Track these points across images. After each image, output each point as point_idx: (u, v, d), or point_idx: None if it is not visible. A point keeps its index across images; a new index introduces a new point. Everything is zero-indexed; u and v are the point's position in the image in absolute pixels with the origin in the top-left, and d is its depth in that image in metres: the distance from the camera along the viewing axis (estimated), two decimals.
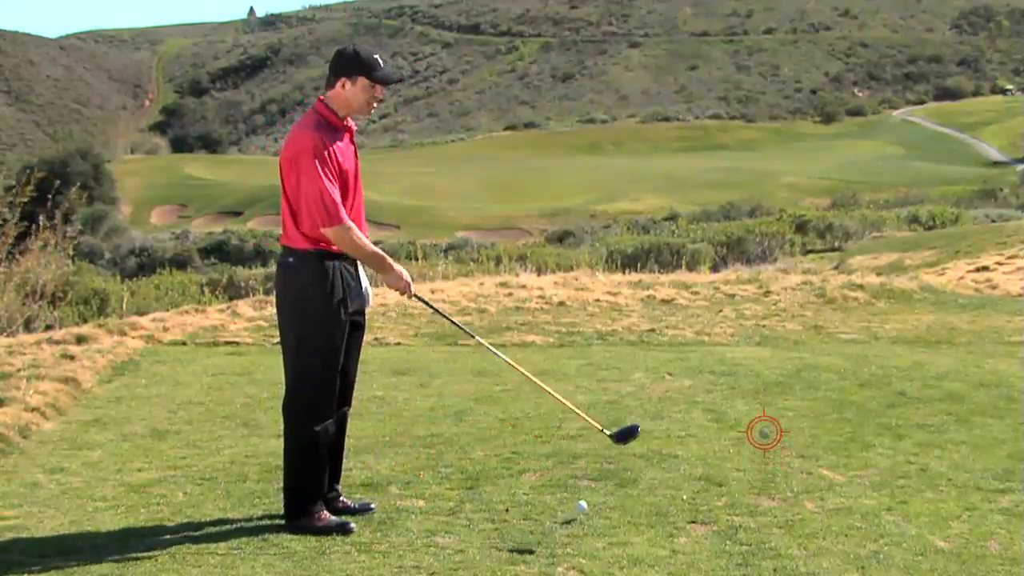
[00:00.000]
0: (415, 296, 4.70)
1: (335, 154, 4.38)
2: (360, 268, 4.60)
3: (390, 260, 4.53)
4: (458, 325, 5.15)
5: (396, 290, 4.59)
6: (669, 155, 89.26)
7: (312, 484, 4.48)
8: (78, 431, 6.13)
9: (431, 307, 5.07)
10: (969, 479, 5.25)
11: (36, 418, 6.20)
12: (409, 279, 4.56)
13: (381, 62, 4.47)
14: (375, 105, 4.53)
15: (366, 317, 4.73)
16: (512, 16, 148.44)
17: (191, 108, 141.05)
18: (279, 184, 4.46)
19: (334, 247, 4.42)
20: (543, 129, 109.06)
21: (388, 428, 6.16)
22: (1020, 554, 4.29)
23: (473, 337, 5.16)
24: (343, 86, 4.43)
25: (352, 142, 4.56)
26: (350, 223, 4.39)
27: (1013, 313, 11.17)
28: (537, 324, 10.02)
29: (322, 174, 4.31)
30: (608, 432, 5.08)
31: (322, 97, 4.49)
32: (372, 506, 4.69)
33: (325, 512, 4.48)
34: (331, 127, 4.44)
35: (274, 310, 5.27)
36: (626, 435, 5.09)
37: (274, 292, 4.69)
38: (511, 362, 5.08)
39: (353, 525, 4.44)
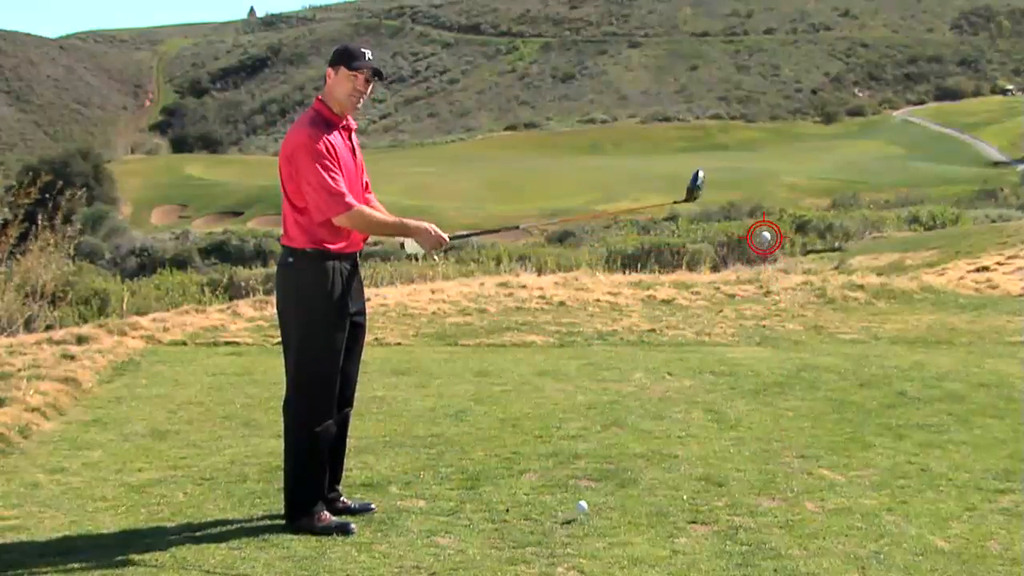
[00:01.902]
0: (452, 239, 4.62)
1: (331, 147, 4.37)
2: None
3: (412, 223, 4.49)
4: (498, 230, 5.42)
5: (433, 247, 4.52)
6: (669, 155, 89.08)
7: (313, 485, 4.48)
8: (78, 431, 6.13)
9: (469, 235, 5.20)
10: (969, 479, 5.25)
11: (36, 418, 6.20)
12: (437, 230, 4.47)
13: (368, 55, 4.46)
14: (359, 99, 4.48)
15: (366, 317, 4.73)
16: (512, 16, 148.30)
17: (191, 108, 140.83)
18: (279, 184, 4.46)
19: (334, 247, 4.41)
20: (543, 129, 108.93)
21: (388, 428, 6.16)
22: (1020, 554, 4.29)
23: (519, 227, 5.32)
24: (329, 77, 4.47)
25: (351, 139, 4.55)
26: (359, 205, 4.37)
27: (1013, 313, 11.17)
28: (537, 324, 10.03)
29: (320, 166, 4.30)
30: (679, 200, 5.07)
31: (320, 96, 4.50)
32: (372, 506, 4.69)
33: (325, 512, 4.48)
34: (327, 122, 4.43)
35: (274, 310, 5.27)
36: (693, 185, 4.88)
37: (274, 292, 4.69)
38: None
39: (353, 525, 4.43)
